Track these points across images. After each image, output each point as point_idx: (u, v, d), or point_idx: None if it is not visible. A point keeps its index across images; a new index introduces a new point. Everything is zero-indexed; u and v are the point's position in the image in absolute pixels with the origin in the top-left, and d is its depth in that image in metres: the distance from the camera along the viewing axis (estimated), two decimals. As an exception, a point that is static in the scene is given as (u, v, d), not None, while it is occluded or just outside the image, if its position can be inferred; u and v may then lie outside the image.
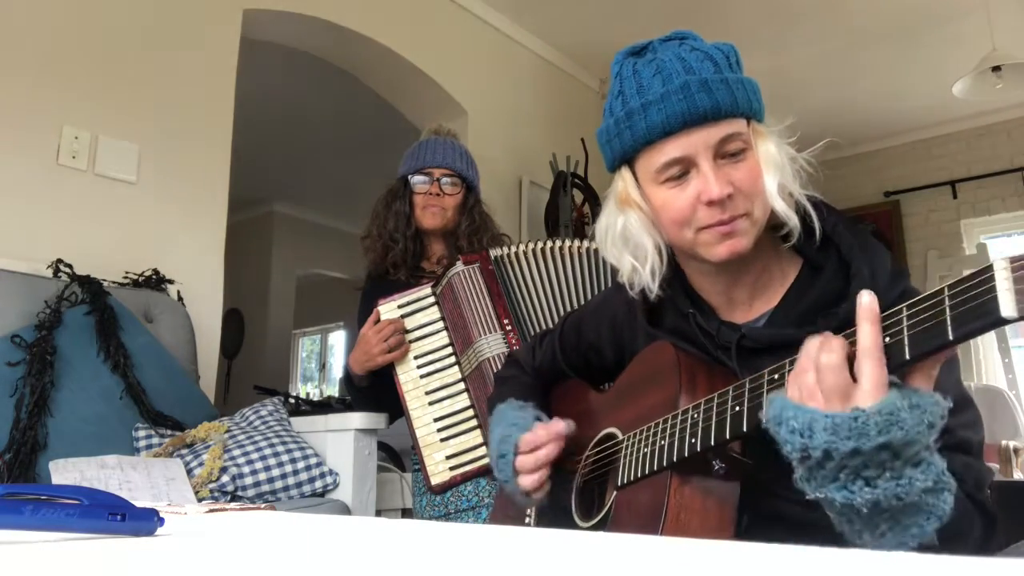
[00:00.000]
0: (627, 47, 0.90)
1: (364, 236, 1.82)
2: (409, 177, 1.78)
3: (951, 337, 0.56)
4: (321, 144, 4.87)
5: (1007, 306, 0.52)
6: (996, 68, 3.17)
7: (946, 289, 0.57)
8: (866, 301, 0.62)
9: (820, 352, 0.64)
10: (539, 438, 0.98)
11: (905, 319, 0.60)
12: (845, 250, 0.84)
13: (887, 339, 0.61)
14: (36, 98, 2.01)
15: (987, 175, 4.60)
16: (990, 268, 0.54)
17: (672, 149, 0.82)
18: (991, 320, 0.54)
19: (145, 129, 2.22)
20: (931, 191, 4.78)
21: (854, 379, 0.62)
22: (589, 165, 3.71)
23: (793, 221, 0.83)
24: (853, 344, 0.63)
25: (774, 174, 0.82)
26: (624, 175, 0.90)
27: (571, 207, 3.49)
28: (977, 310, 0.54)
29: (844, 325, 0.70)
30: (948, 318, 0.56)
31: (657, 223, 0.88)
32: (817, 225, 0.84)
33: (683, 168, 0.83)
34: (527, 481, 0.98)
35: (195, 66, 2.38)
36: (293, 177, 5.41)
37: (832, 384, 0.62)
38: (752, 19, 3.51)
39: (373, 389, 1.67)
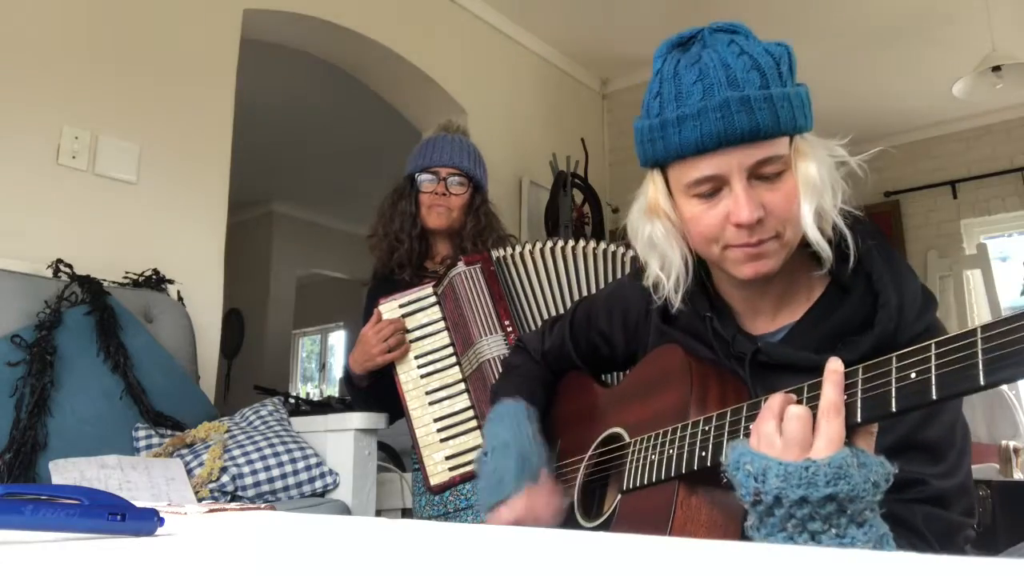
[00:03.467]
0: (675, 36, 0.86)
1: (370, 235, 1.81)
2: (416, 175, 1.76)
3: (982, 382, 0.54)
4: (321, 144, 4.87)
5: None
6: (996, 68, 3.17)
7: (979, 331, 0.55)
8: (832, 367, 0.65)
9: (787, 404, 0.67)
10: (537, 511, 0.98)
11: (934, 357, 0.58)
12: (876, 277, 0.81)
13: (913, 375, 0.60)
14: (36, 98, 2.01)
15: (987, 175, 4.59)
16: None
17: (705, 167, 0.79)
18: None
19: (145, 129, 2.22)
20: (931, 191, 4.78)
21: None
22: (589, 165, 3.71)
23: (826, 252, 0.80)
24: (815, 404, 0.66)
25: (811, 200, 0.78)
26: (655, 179, 0.87)
27: (571, 207, 3.49)
28: (1011, 357, 0.52)
29: (866, 356, 0.68)
30: (980, 361, 0.54)
31: (685, 233, 0.86)
32: (852, 252, 0.81)
33: (715, 186, 0.80)
34: (496, 521, 0.99)
35: (195, 66, 2.38)
36: (293, 177, 5.41)
37: (793, 431, 0.65)
38: (752, 20, 3.48)
39: (373, 389, 1.66)
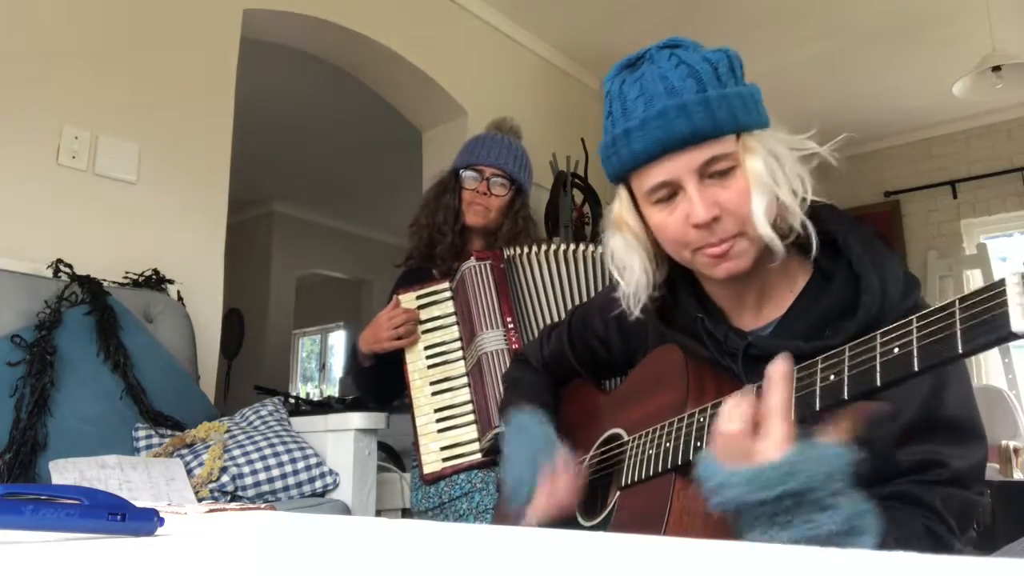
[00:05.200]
0: (624, 58, 0.90)
1: (412, 224, 1.84)
2: (460, 171, 1.78)
3: (960, 350, 0.56)
4: (321, 144, 4.87)
5: (1018, 321, 0.53)
6: (996, 68, 3.17)
7: (957, 302, 0.57)
8: (779, 365, 0.69)
9: (720, 421, 0.71)
10: (559, 484, 0.98)
11: (915, 330, 0.60)
12: (855, 260, 0.83)
13: (896, 350, 0.61)
14: (36, 98, 2.01)
15: (987, 175, 4.59)
16: (1002, 283, 0.54)
17: (657, 174, 0.83)
18: (1001, 334, 0.54)
19: (145, 129, 2.22)
20: (931, 191, 4.78)
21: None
22: (589, 165, 3.71)
23: (776, 245, 0.81)
24: (799, 393, 0.68)
25: (761, 195, 0.80)
26: (621, 193, 0.90)
27: (571, 207, 3.49)
28: (987, 324, 0.55)
29: (853, 339, 0.70)
30: (958, 331, 0.57)
31: (659, 242, 0.89)
32: (814, 236, 0.82)
33: (671, 190, 0.83)
34: (536, 517, 0.98)
35: (195, 66, 2.38)
36: (293, 177, 5.41)
37: (737, 449, 0.69)
38: (752, 19, 3.51)
39: (376, 371, 1.68)
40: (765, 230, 0.80)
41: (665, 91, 0.82)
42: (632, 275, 0.90)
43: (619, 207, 0.91)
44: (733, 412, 0.71)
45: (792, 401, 0.68)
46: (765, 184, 0.80)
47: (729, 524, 0.71)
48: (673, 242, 0.85)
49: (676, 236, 0.84)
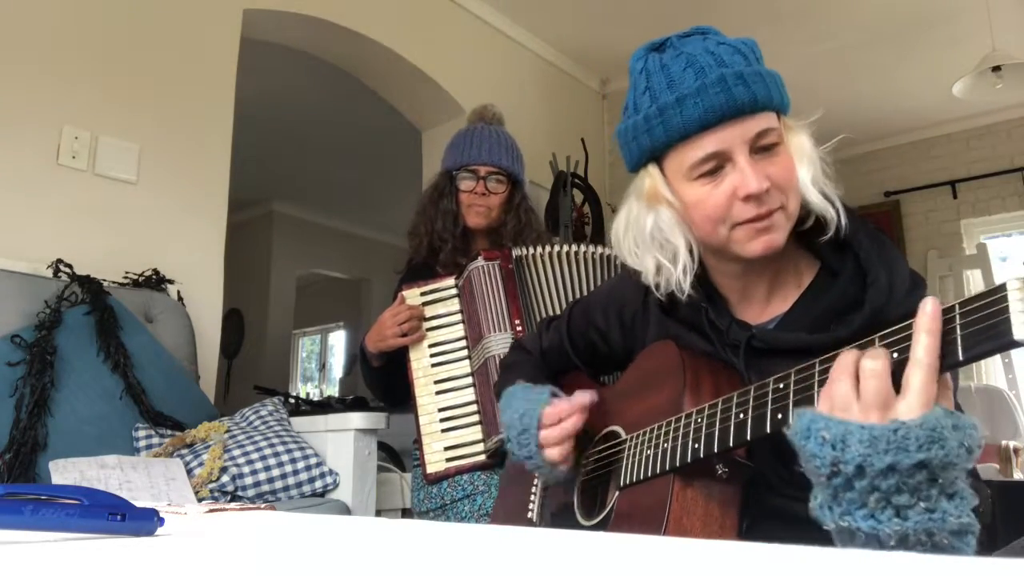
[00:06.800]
0: (646, 43, 0.89)
1: (411, 232, 1.79)
2: (454, 174, 1.74)
3: (961, 358, 0.55)
4: (321, 144, 4.87)
5: (1020, 329, 0.51)
6: (996, 68, 3.17)
7: (957, 307, 0.56)
8: (929, 309, 0.57)
9: (864, 357, 0.60)
10: (562, 410, 0.96)
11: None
12: (863, 257, 0.82)
13: (895, 355, 0.60)
14: (36, 98, 2.01)
15: (987, 175, 4.59)
16: (1003, 288, 0.53)
17: (709, 143, 0.80)
18: (1003, 343, 0.52)
19: (145, 129, 2.22)
20: (931, 191, 4.78)
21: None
22: (589, 165, 3.71)
23: (830, 213, 0.82)
24: (894, 355, 0.60)
25: (808, 167, 0.82)
26: (652, 172, 0.87)
27: (571, 207, 3.49)
28: (988, 331, 0.53)
29: (858, 334, 0.68)
30: (959, 338, 0.55)
31: (688, 220, 0.86)
32: (844, 221, 0.83)
33: (718, 163, 0.81)
34: (553, 453, 0.95)
35: (195, 66, 2.38)
36: (293, 177, 5.41)
37: (873, 391, 0.58)
38: (751, 19, 3.51)
39: (386, 371, 1.66)
40: (816, 197, 0.82)
41: (716, 62, 0.81)
42: (677, 252, 0.87)
43: (652, 183, 0.87)
44: (875, 351, 0.60)
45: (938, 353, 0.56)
46: (811, 158, 0.82)
47: (815, 506, 0.60)
48: (712, 219, 0.82)
49: (717, 212, 0.81)
